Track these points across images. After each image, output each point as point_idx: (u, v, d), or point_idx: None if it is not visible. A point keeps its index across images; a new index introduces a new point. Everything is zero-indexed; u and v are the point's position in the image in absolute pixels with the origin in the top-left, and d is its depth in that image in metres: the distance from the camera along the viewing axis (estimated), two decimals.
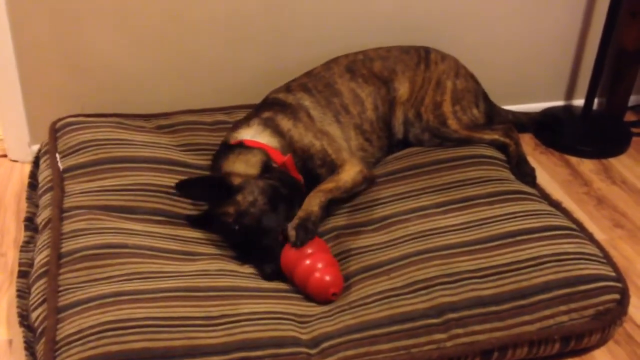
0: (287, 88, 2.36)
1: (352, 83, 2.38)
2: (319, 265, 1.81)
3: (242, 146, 2.11)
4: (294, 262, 1.83)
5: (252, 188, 1.98)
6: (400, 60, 2.47)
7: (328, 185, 2.08)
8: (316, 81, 2.37)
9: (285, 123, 2.19)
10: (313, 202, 1.97)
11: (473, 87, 2.51)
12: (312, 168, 2.15)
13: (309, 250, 1.84)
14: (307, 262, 1.81)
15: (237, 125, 2.25)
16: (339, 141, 2.26)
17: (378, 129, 2.39)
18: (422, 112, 2.39)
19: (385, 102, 2.41)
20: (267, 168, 2.05)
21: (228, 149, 2.14)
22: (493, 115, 2.58)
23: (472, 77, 2.53)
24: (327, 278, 1.80)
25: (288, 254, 1.85)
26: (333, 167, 2.16)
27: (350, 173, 2.14)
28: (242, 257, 1.97)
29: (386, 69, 2.44)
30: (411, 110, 2.41)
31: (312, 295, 1.82)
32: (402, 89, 2.43)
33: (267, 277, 1.89)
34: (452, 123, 2.39)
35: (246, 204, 1.95)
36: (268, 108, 2.26)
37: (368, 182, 2.20)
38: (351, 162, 2.18)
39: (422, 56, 2.49)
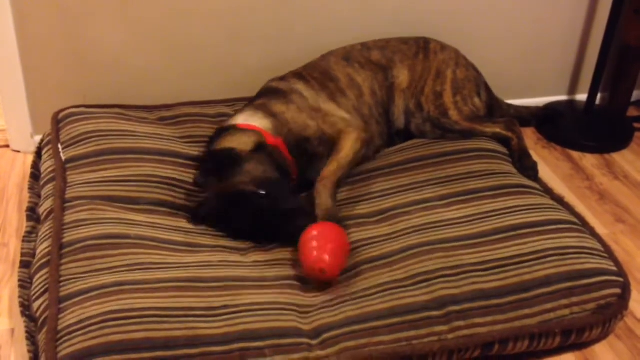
0: (282, 77, 2.37)
1: (349, 69, 2.39)
2: (321, 242, 1.79)
3: (235, 128, 2.12)
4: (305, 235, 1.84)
5: (259, 158, 1.98)
6: (398, 50, 2.47)
7: (330, 168, 2.08)
8: (311, 70, 2.39)
9: (278, 107, 2.19)
10: (324, 196, 1.99)
11: (474, 77, 2.50)
12: (310, 148, 2.16)
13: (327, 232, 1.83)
14: (314, 232, 1.82)
15: (233, 113, 2.26)
16: (335, 113, 2.25)
17: (377, 114, 2.38)
18: (422, 103, 2.39)
19: (383, 88, 2.40)
20: (260, 146, 2.04)
21: (221, 132, 2.13)
22: (494, 108, 2.58)
23: (472, 66, 2.53)
24: (315, 253, 1.78)
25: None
26: (330, 143, 2.16)
27: (348, 144, 2.13)
28: (259, 234, 1.96)
29: (384, 57, 2.44)
30: (412, 100, 2.40)
31: (302, 266, 1.81)
32: (402, 76, 2.42)
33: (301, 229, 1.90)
34: (454, 114, 2.39)
35: (260, 171, 1.95)
36: (261, 96, 2.28)
37: (367, 145, 2.20)
38: (346, 131, 2.17)
39: (421, 46, 2.49)
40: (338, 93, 2.33)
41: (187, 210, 2.07)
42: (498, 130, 2.40)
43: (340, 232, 1.87)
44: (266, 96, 2.26)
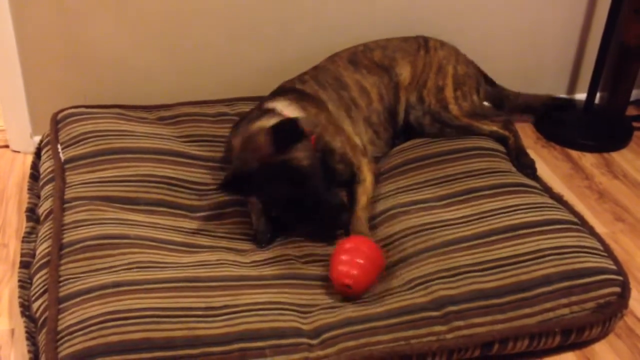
0: (300, 79, 2.35)
1: (357, 75, 2.39)
2: (353, 256, 1.79)
3: (275, 112, 2.09)
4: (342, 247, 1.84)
5: (307, 144, 1.98)
6: (399, 48, 2.48)
7: (363, 200, 2.09)
8: (325, 74, 2.38)
9: (310, 108, 2.18)
10: (362, 227, 2.01)
11: (474, 73, 2.52)
12: (331, 162, 2.15)
13: (364, 248, 1.82)
14: (348, 245, 1.83)
15: (264, 101, 2.22)
16: (352, 137, 2.26)
17: (384, 120, 2.39)
18: (424, 96, 2.40)
19: (390, 90, 2.41)
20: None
21: (261, 112, 2.10)
22: (502, 98, 2.61)
23: (472, 63, 2.55)
24: (344, 268, 1.78)
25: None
26: (350, 165, 2.17)
27: (370, 177, 2.17)
28: (296, 215, 1.97)
29: (387, 57, 2.45)
30: (414, 93, 2.41)
31: (330, 276, 1.82)
32: (404, 73, 2.43)
33: (342, 224, 1.97)
34: (454, 108, 2.39)
35: (311, 155, 1.95)
36: (287, 93, 2.24)
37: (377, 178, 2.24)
38: (366, 165, 2.19)
39: (421, 43, 2.50)
40: (352, 106, 2.34)
41: (223, 180, 1.99)
42: (495, 128, 2.41)
43: (375, 249, 1.85)
44: (294, 95, 2.22)
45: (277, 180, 1.92)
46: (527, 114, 2.76)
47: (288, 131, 1.91)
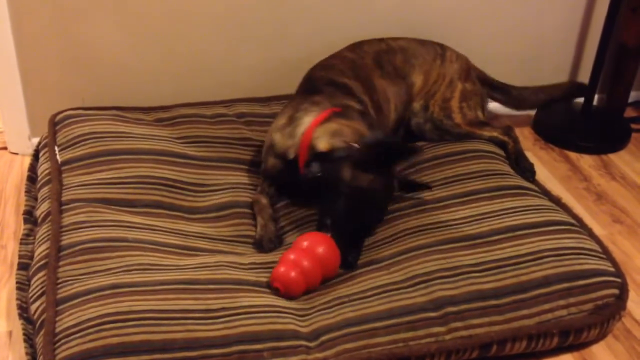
0: (341, 72, 2.30)
1: (383, 81, 2.38)
2: (301, 262, 1.78)
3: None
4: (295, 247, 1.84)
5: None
6: (418, 53, 2.47)
7: None
8: (358, 69, 2.34)
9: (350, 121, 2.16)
10: None
11: (480, 91, 2.53)
12: None
13: (319, 250, 1.80)
14: (305, 243, 1.82)
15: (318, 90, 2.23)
16: None
17: (393, 131, 2.39)
18: (430, 105, 2.41)
19: (403, 102, 2.41)
20: None
21: (346, 106, 2.12)
22: (519, 101, 2.69)
23: (478, 81, 2.56)
24: (282, 269, 1.78)
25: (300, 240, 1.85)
26: None
27: None
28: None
29: (406, 62, 2.44)
30: (420, 101, 2.42)
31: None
32: (417, 82, 2.43)
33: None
34: (457, 117, 2.40)
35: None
36: (334, 89, 2.22)
37: None
38: None
39: (439, 52, 2.50)
40: (379, 109, 2.31)
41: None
42: (495, 134, 2.42)
43: (331, 251, 1.83)
44: (341, 95, 2.20)
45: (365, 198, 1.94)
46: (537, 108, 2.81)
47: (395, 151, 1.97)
